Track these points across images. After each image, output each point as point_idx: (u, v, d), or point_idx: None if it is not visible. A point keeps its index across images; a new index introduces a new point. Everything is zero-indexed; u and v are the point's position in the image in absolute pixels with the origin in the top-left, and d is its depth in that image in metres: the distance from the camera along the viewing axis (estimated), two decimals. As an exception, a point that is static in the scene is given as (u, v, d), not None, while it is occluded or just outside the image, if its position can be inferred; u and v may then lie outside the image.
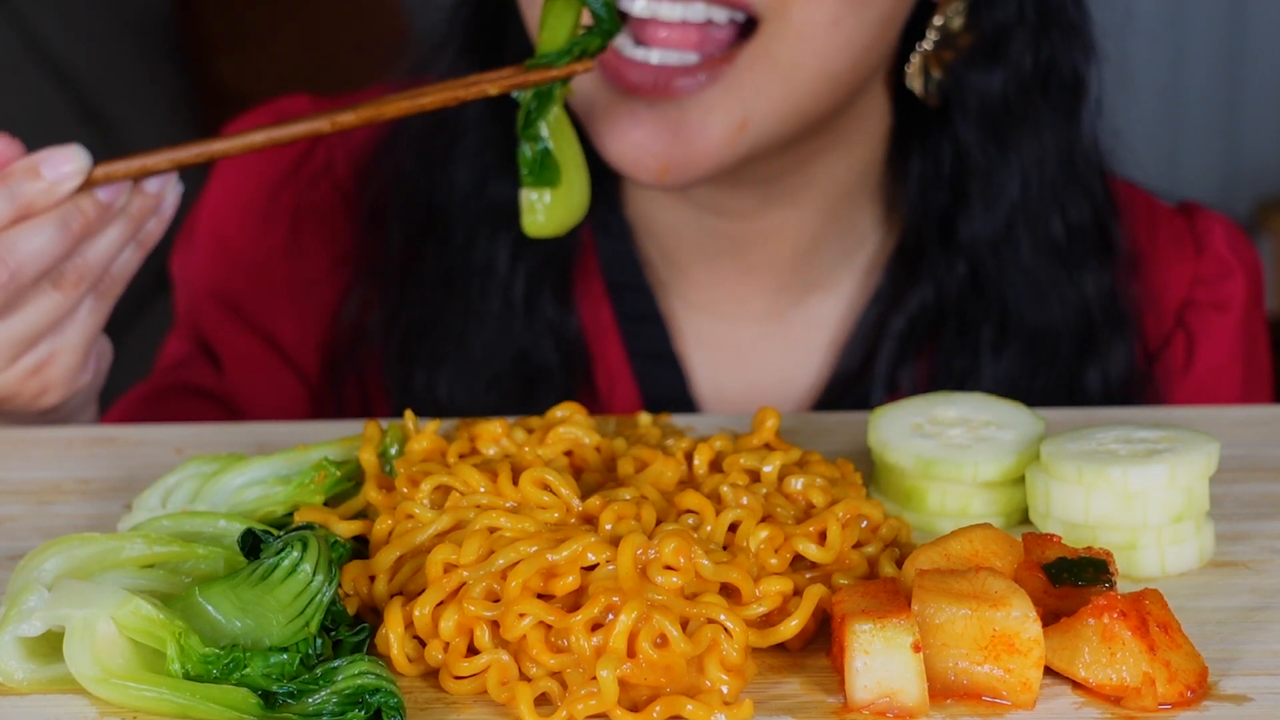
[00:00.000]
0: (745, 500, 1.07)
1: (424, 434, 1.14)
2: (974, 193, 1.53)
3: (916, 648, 0.94)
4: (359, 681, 0.96)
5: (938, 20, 1.46)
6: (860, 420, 1.29)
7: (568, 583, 0.99)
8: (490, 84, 1.28)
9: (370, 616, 1.04)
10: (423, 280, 1.57)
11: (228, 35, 3.42)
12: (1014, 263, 1.54)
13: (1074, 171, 1.55)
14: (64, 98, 3.15)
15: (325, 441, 1.17)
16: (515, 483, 1.06)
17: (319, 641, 0.99)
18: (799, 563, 1.06)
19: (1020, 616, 0.95)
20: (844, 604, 0.98)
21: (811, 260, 1.57)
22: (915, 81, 1.47)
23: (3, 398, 1.30)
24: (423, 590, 1.01)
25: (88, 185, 1.24)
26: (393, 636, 1.00)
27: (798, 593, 1.03)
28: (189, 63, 3.43)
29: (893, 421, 1.19)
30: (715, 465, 1.13)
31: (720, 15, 1.37)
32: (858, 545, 1.08)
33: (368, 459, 1.13)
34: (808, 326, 1.59)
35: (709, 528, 1.04)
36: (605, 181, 1.50)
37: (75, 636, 0.96)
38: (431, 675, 1.00)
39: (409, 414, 1.16)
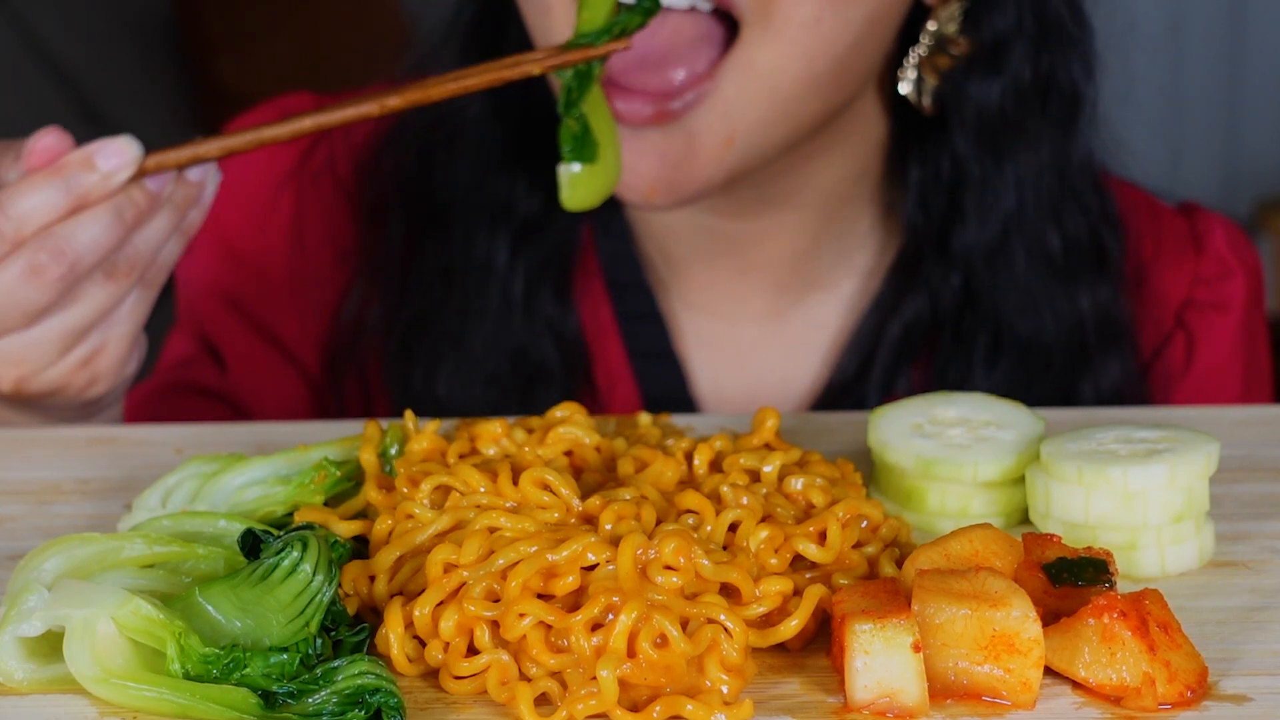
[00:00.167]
0: (745, 500, 1.07)
1: (424, 434, 1.14)
2: (969, 204, 1.53)
3: (916, 648, 0.94)
4: (359, 681, 0.96)
5: (931, 25, 1.46)
6: (860, 420, 1.29)
7: (568, 583, 0.99)
8: (533, 64, 1.31)
9: (370, 616, 1.04)
10: (422, 277, 1.57)
11: (228, 35, 3.42)
12: (1008, 275, 1.53)
13: (1071, 185, 1.54)
14: (64, 98, 3.15)
15: (325, 441, 1.17)
16: (515, 483, 1.06)
17: (319, 641, 0.99)
18: (799, 563, 1.06)
19: (1020, 616, 0.95)
20: (844, 604, 0.98)
21: (810, 261, 1.57)
22: (908, 87, 1.47)
23: (52, 390, 1.30)
24: (423, 590, 1.01)
25: (139, 175, 1.25)
26: (393, 636, 1.00)
27: (798, 593, 1.03)
28: (189, 63, 3.43)
29: (893, 421, 1.19)
30: (715, 465, 1.13)
31: (704, 4, 1.37)
32: (858, 545, 1.08)
33: (368, 459, 1.13)
34: (807, 327, 1.59)
35: (709, 528, 1.04)
36: None
37: (75, 636, 0.96)
38: (431, 675, 1.00)
39: (409, 414, 1.16)
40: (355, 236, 1.61)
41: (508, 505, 1.05)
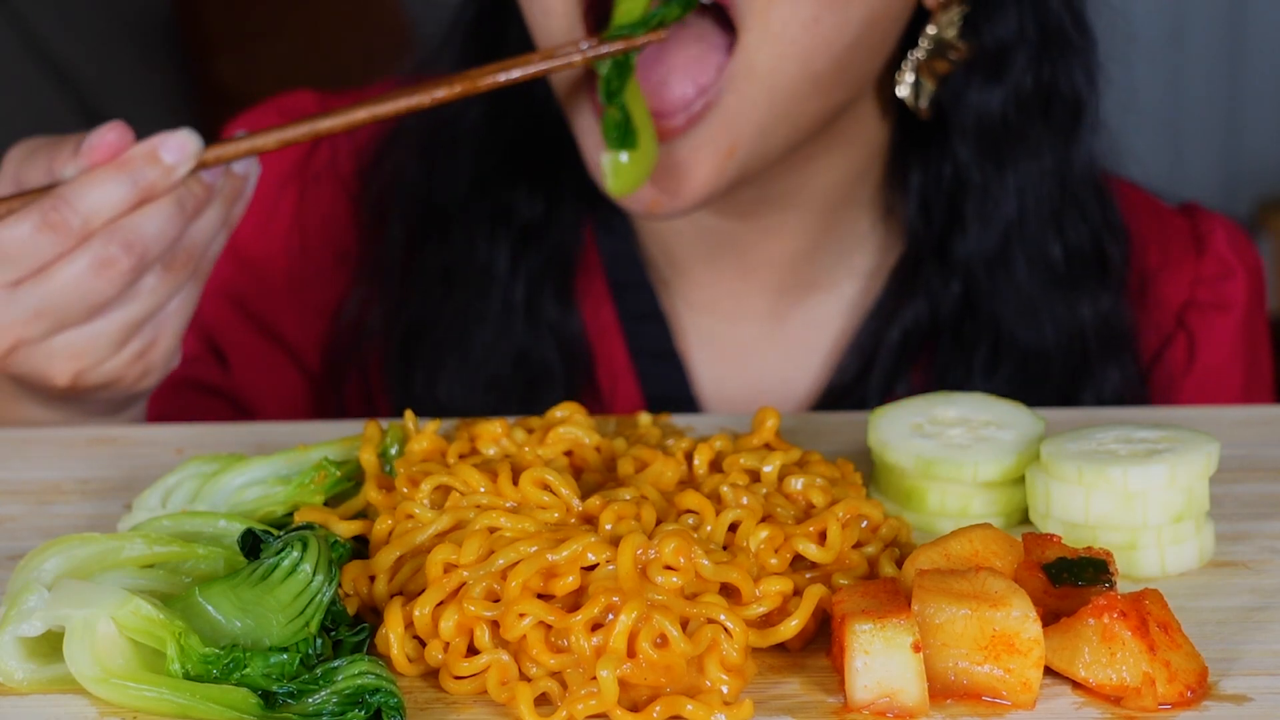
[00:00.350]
0: (745, 500, 1.07)
1: (424, 434, 1.14)
2: (969, 210, 1.53)
3: (916, 648, 0.94)
4: (359, 681, 0.96)
5: (930, 29, 1.45)
6: (860, 420, 1.29)
7: (568, 583, 0.99)
8: (577, 55, 1.34)
9: (370, 616, 1.04)
10: (423, 280, 1.57)
11: (228, 35, 3.42)
12: (1008, 283, 1.53)
13: (1072, 193, 1.54)
14: (64, 98, 3.15)
15: (325, 441, 1.17)
16: (515, 483, 1.06)
17: (319, 641, 0.99)
18: (799, 563, 1.06)
19: (1020, 616, 0.95)
20: (844, 604, 0.98)
21: (810, 261, 1.57)
22: (905, 90, 1.46)
23: (106, 383, 1.30)
24: (423, 590, 1.01)
25: (198, 168, 1.26)
26: (393, 636, 1.00)
27: (798, 593, 1.03)
28: (189, 63, 3.43)
29: (893, 421, 1.19)
30: (715, 465, 1.13)
31: None
32: (858, 545, 1.08)
33: (368, 459, 1.13)
34: (808, 327, 1.59)
35: (709, 528, 1.04)
36: None
37: (75, 636, 0.96)
38: (431, 675, 1.00)
39: (409, 414, 1.16)
40: (356, 237, 1.61)
41: (508, 505, 1.05)
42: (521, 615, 0.97)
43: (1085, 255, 1.55)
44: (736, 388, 1.59)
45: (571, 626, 0.97)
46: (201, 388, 1.60)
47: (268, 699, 0.96)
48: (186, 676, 0.96)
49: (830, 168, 1.52)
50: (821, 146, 1.48)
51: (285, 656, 0.97)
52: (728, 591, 1.01)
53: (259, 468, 1.14)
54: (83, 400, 1.34)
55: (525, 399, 1.53)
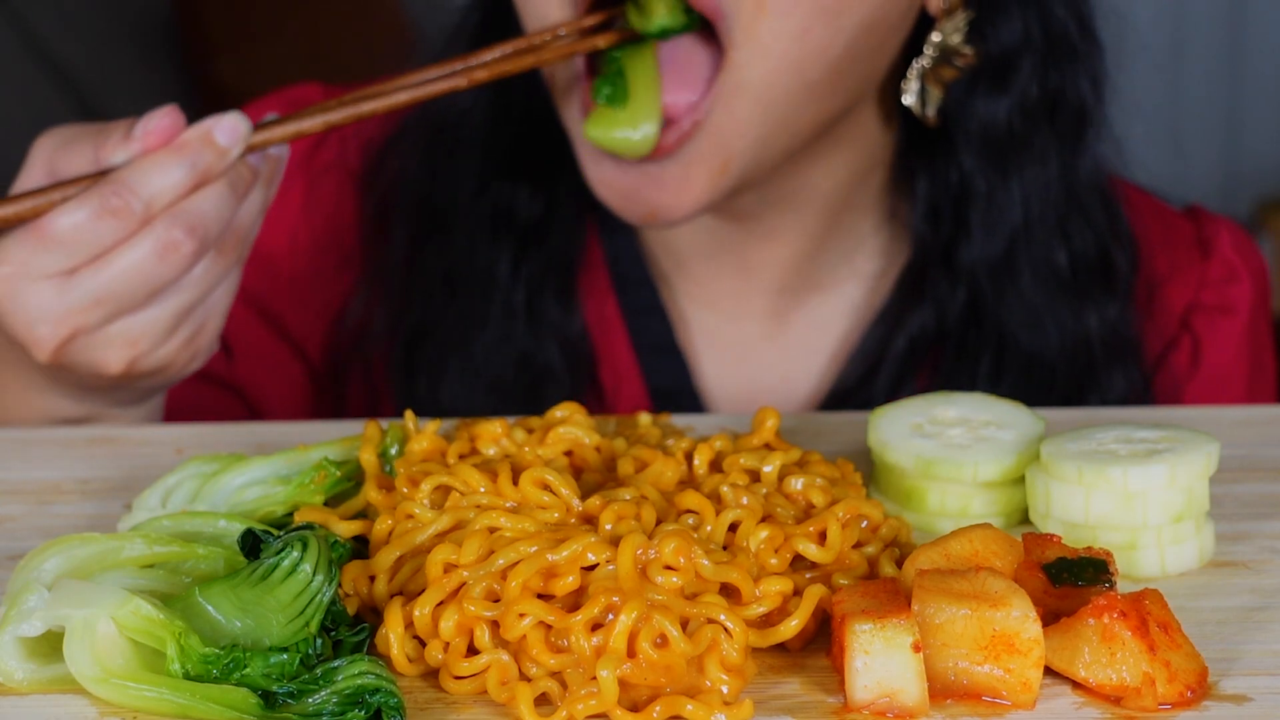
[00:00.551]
0: (745, 500, 1.07)
1: (424, 434, 1.14)
2: (974, 218, 1.52)
3: (916, 648, 0.94)
4: (359, 681, 0.96)
5: (935, 37, 1.44)
6: (860, 420, 1.29)
7: (568, 583, 0.99)
8: (601, 40, 1.36)
9: (370, 616, 1.04)
10: (425, 284, 1.57)
11: (228, 35, 3.42)
12: (1013, 290, 1.53)
13: (1078, 201, 1.54)
14: (64, 98, 3.15)
15: (325, 441, 1.17)
16: (515, 483, 1.06)
17: (319, 641, 0.99)
18: (799, 563, 1.06)
19: (1020, 616, 0.95)
20: (844, 604, 0.98)
21: (813, 262, 1.57)
22: (911, 98, 1.46)
23: (157, 369, 1.30)
24: (423, 590, 1.01)
25: (246, 151, 1.27)
26: (393, 636, 1.00)
27: (798, 593, 1.03)
28: (189, 63, 3.43)
29: (893, 421, 1.19)
30: (715, 465, 1.13)
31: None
32: (858, 545, 1.08)
33: (368, 459, 1.13)
34: (810, 327, 1.59)
35: (709, 528, 1.04)
36: None
37: (75, 636, 0.96)
38: (431, 675, 1.00)
39: (409, 414, 1.16)
40: (360, 238, 1.61)
41: (508, 505, 1.05)
42: (521, 615, 0.97)
43: (1091, 263, 1.55)
44: (739, 384, 1.59)
45: (571, 626, 0.97)
46: (204, 377, 1.60)
47: (268, 699, 0.96)
48: (186, 676, 0.96)
49: (831, 172, 1.52)
50: (822, 151, 1.48)
51: (285, 656, 0.97)
52: (728, 591, 1.01)
53: (259, 468, 1.14)
54: (122, 389, 1.34)
55: (528, 401, 1.53)
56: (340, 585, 1.03)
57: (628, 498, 1.05)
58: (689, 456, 1.13)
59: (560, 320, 1.56)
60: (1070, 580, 1.00)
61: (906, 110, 1.51)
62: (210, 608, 0.99)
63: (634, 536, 0.99)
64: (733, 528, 1.05)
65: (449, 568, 1.01)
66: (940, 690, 0.96)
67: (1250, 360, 1.63)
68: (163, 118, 1.25)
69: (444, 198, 1.57)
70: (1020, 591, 0.97)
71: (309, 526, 1.04)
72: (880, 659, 0.94)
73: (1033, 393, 1.52)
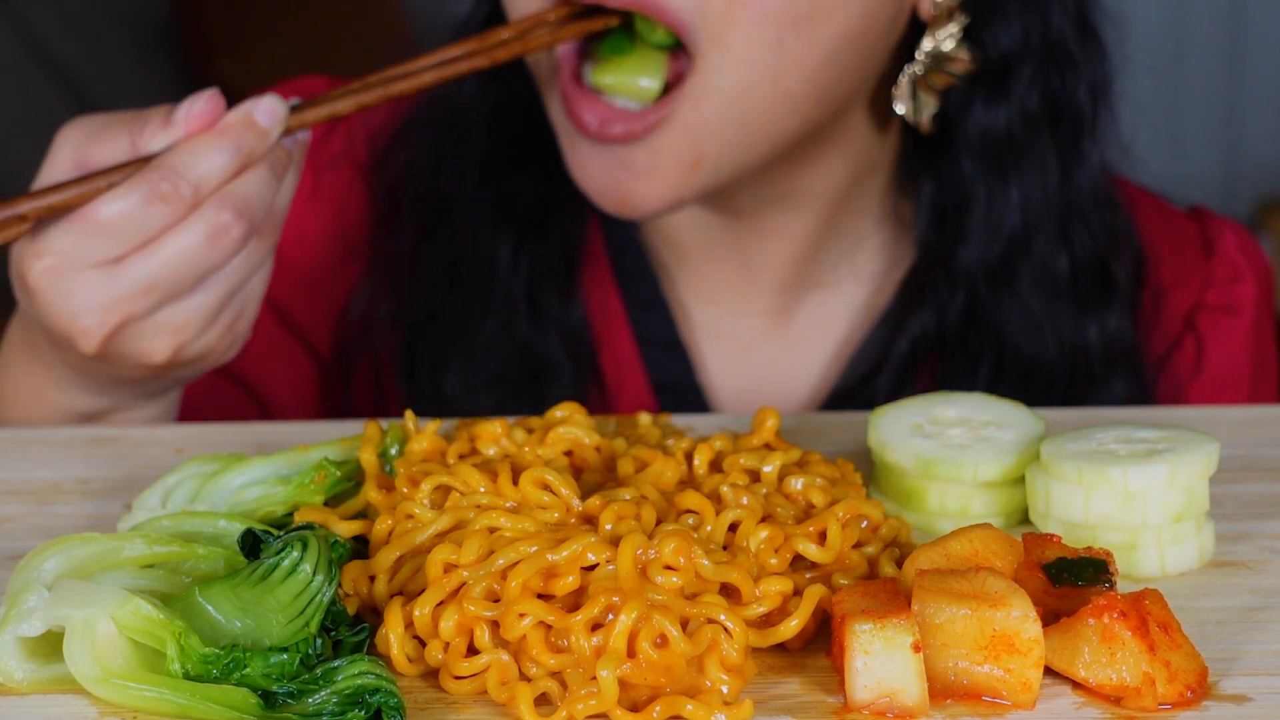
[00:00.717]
0: (745, 500, 1.07)
1: (424, 434, 1.14)
2: (973, 223, 1.52)
3: (916, 648, 0.94)
4: (359, 681, 0.96)
5: (927, 44, 1.44)
6: (860, 420, 1.29)
7: (568, 583, 0.99)
8: (613, 19, 1.37)
9: (370, 616, 1.04)
10: (430, 274, 1.57)
11: (228, 35, 3.42)
12: (1011, 296, 1.53)
13: (1079, 207, 1.54)
14: (64, 98, 3.15)
15: (325, 441, 1.17)
16: (515, 483, 1.06)
17: (319, 641, 0.99)
18: (799, 563, 1.06)
19: (1020, 616, 0.95)
20: (844, 604, 0.98)
21: (814, 261, 1.57)
22: (902, 105, 1.45)
23: (199, 357, 1.29)
24: (423, 590, 1.01)
25: (285, 133, 1.27)
26: (393, 636, 1.00)
27: (798, 593, 1.03)
28: (189, 63, 3.43)
29: (893, 421, 1.19)
30: (715, 465, 1.13)
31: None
32: (858, 545, 1.08)
33: (368, 459, 1.13)
34: (812, 325, 1.59)
35: (709, 528, 1.04)
36: None
37: (75, 636, 0.96)
38: (431, 675, 1.00)
39: (409, 414, 1.16)
40: (368, 228, 1.61)
41: (508, 505, 1.05)
42: (521, 615, 0.97)
43: (1091, 270, 1.54)
44: (743, 380, 1.59)
45: (571, 626, 0.97)
46: (215, 372, 1.59)
47: (268, 699, 0.96)
48: (186, 676, 0.96)
49: (828, 173, 1.51)
50: (816, 153, 1.48)
51: (285, 656, 0.97)
52: (728, 591, 1.01)
53: (259, 468, 1.14)
54: (155, 380, 1.33)
55: (530, 392, 1.53)
56: (340, 585, 1.03)
57: (628, 498, 1.05)
58: (689, 456, 1.13)
59: (561, 311, 1.56)
60: (1070, 580, 1.00)
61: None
62: (210, 608, 0.99)
63: (634, 536, 0.99)
64: (733, 528, 1.05)
65: (449, 568, 1.01)
66: (940, 690, 0.96)
67: (1254, 360, 1.63)
68: (205, 102, 1.24)
69: (450, 188, 1.57)
70: (1020, 591, 0.97)
71: (309, 526, 1.04)
72: (880, 659, 0.94)
73: (1031, 399, 1.52)
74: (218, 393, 1.59)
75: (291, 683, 0.96)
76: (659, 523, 1.04)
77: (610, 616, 0.97)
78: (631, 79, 1.37)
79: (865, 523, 1.09)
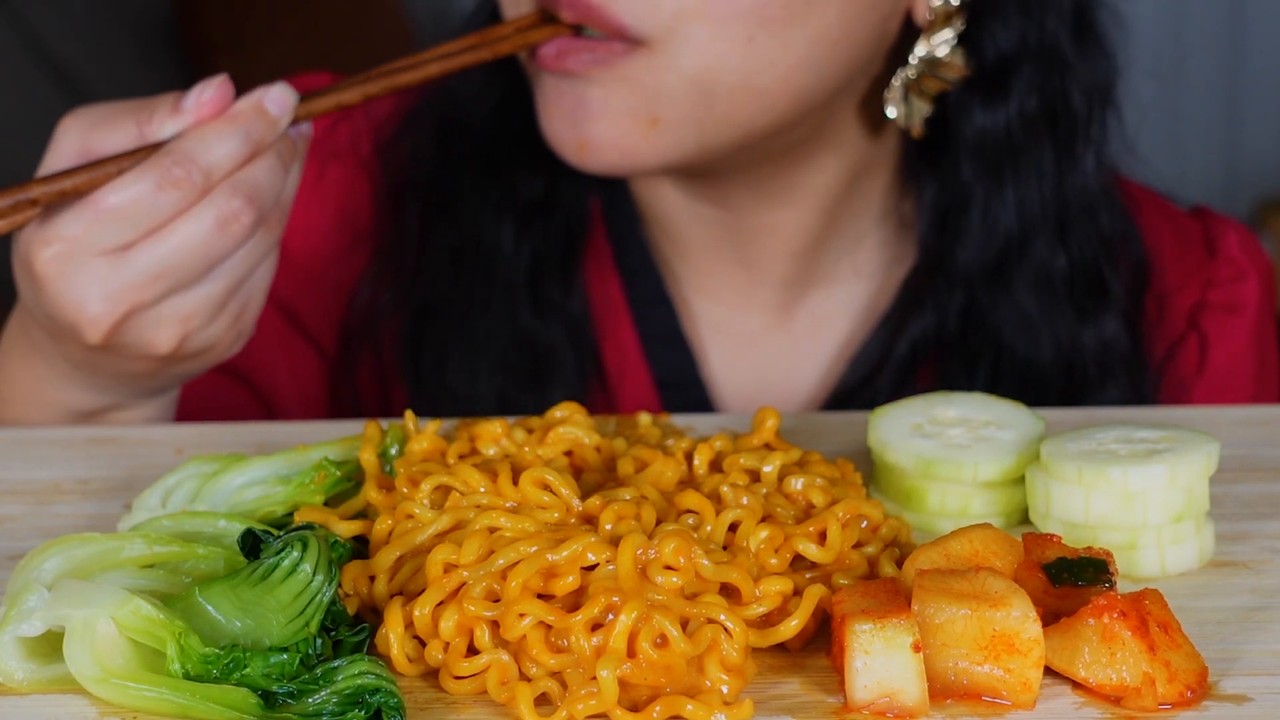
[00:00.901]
0: (745, 500, 1.07)
1: (424, 434, 1.14)
2: (971, 225, 1.52)
3: (916, 648, 0.94)
4: (359, 681, 0.96)
5: (920, 50, 1.43)
6: (860, 420, 1.29)
7: (568, 583, 0.99)
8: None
9: (370, 616, 1.04)
10: (433, 262, 1.57)
11: (228, 35, 3.42)
12: (1007, 299, 1.53)
13: (1078, 210, 1.53)
14: (64, 98, 3.15)
15: (325, 441, 1.17)
16: (515, 483, 1.06)
17: (319, 641, 0.99)
18: (799, 563, 1.06)
19: (1020, 616, 0.96)
20: (844, 604, 0.98)
21: (815, 257, 1.57)
22: (894, 111, 1.45)
23: (204, 349, 1.28)
24: (423, 590, 1.01)
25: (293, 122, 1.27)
26: (393, 636, 1.00)
27: (798, 593, 1.03)
28: (189, 63, 3.43)
29: (893, 421, 1.19)
30: (715, 465, 1.13)
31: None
32: (858, 545, 1.08)
33: (368, 459, 1.13)
34: (814, 322, 1.59)
35: (709, 528, 1.04)
36: None
37: (75, 636, 0.96)
38: (431, 675, 1.00)
39: (409, 414, 1.16)
40: (373, 217, 1.61)
41: (508, 505, 1.05)
42: (521, 615, 0.97)
43: (1089, 274, 1.54)
44: (746, 376, 1.59)
45: (571, 626, 0.97)
46: (218, 369, 1.59)
47: (268, 699, 0.96)
48: (186, 676, 0.96)
49: (821, 171, 1.51)
50: (806, 151, 1.48)
51: (285, 656, 0.97)
52: (728, 591, 1.01)
53: (259, 468, 1.14)
54: (158, 375, 1.32)
55: (532, 381, 1.53)
56: (340, 585, 1.03)
57: (628, 498, 1.05)
58: (689, 456, 1.13)
59: (563, 300, 1.55)
60: (1070, 580, 1.00)
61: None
62: (210, 608, 0.99)
63: (634, 536, 0.99)
64: (733, 528, 1.05)
65: (449, 568, 1.01)
66: (940, 690, 0.96)
67: (1257, 359, 1.63)
68: (215, 89, 1.23)
69: (453, 177, 1.57)
70: (1020, 591, 0.97)
71: (309, 526, 1.04)
72: (880, 659, 0.94)
73: (1027, 402, 1.52)
74: (222, 391, 1.59)
75: (291, 683, 0.96)
76: (659, 523, 1.04)
77: (610, 616, 0.97)
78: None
79: (865, 523, 1.09)
